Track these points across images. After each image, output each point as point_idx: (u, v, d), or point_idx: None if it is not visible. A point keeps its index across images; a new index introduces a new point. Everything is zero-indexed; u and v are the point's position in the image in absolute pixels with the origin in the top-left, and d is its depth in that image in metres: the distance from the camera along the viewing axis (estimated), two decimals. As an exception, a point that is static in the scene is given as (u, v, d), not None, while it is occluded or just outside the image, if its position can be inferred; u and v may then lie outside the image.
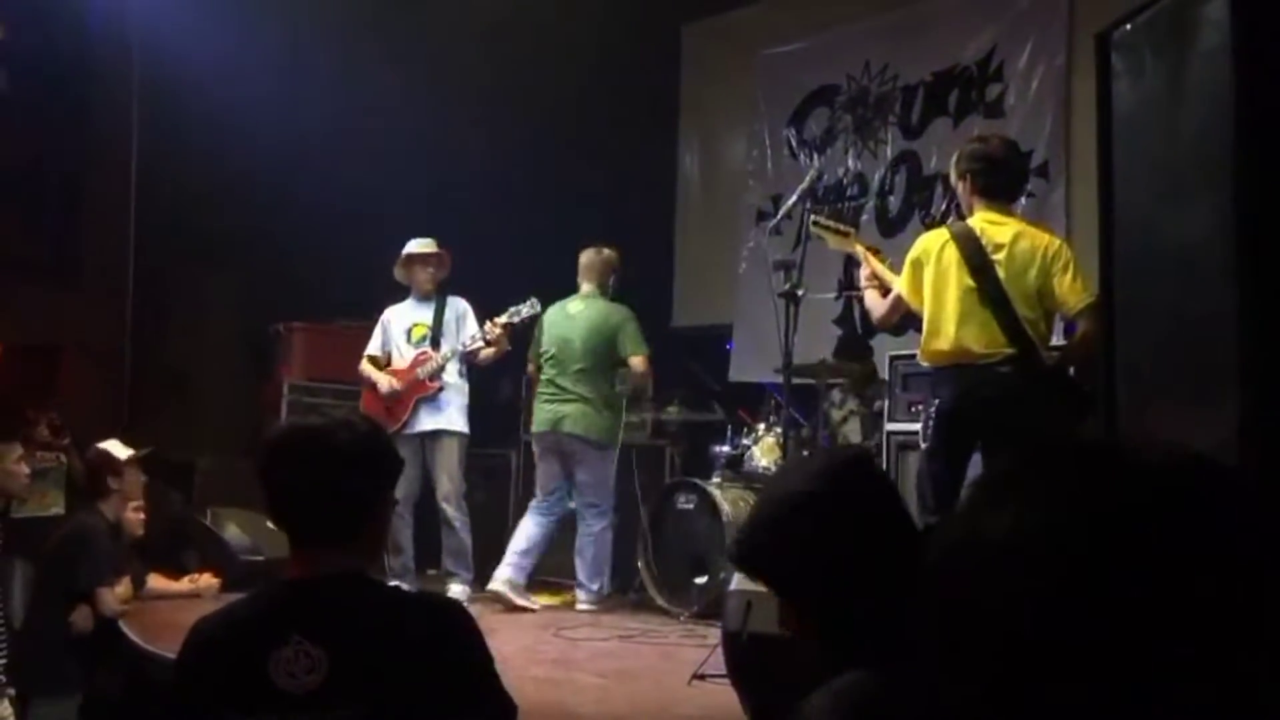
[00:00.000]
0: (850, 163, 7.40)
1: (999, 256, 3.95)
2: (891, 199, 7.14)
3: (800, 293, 4.51)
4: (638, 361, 5.95)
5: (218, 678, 1.83)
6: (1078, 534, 0.68)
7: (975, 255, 3.95)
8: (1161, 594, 0.66)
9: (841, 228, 4.59)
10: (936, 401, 4.06)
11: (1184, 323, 2.57)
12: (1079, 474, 0.72)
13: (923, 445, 4.14)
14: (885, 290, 4.33)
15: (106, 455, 5.02)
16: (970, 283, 3.94)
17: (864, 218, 7.22)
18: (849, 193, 7.36)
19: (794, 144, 7.74)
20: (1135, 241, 2.76)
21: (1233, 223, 2.36)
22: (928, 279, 4.05)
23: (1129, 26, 2.80)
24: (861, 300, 4.68)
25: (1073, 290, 3.92)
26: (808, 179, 4.80)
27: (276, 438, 2.06)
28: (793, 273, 4.50)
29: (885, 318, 4.33)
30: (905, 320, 4.49)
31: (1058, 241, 4.09)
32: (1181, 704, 0.65)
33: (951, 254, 3.99)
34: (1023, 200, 6.46)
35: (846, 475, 1.55)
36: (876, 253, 4.54)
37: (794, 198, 4.71)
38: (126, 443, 5.20)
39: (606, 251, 6.19)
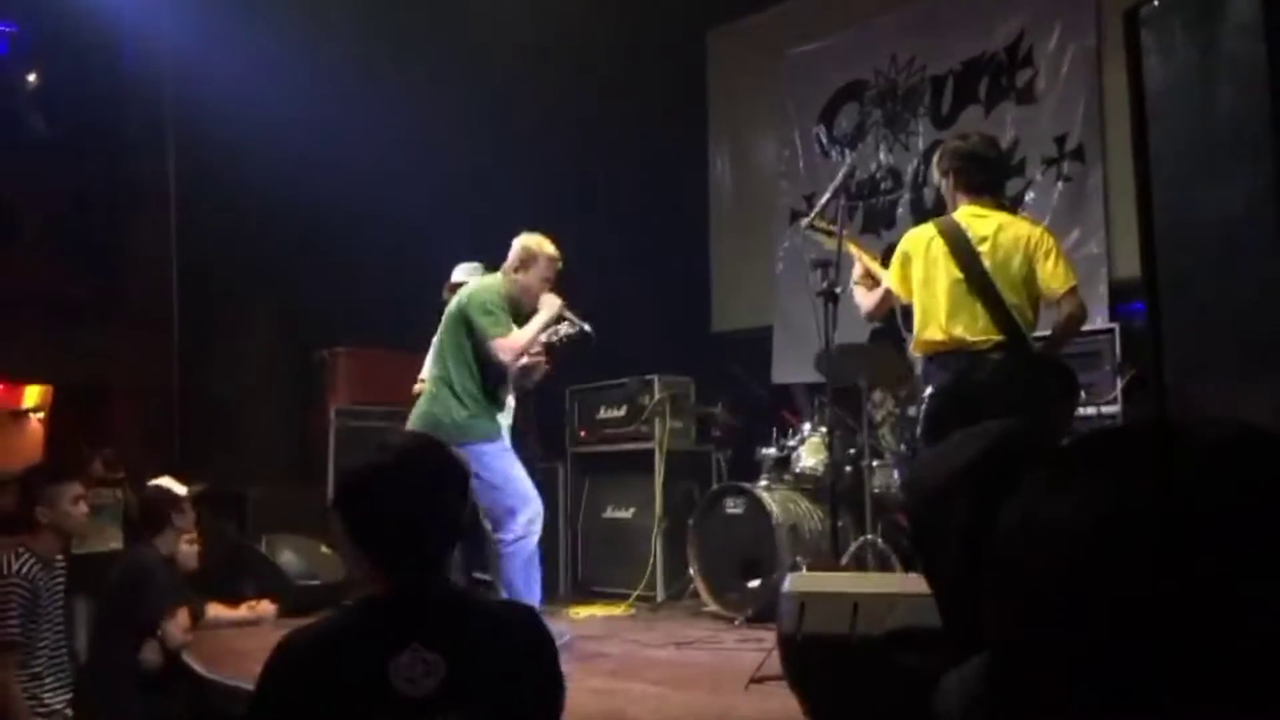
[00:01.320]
0: (882, 157, 7.36)
1: (984, 247, 4.08)
2: (926, 191, 7.09)
3: (839, 290, 4.54)
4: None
5: (334, 689, 1.86)
6: (1145, 515, 0.67)
7: (961, 247, 4.09)
8: (1236, 570, 0.64)
9: (830, 229, 4.65)
10: (929, 389, 4.13)
11: (1225, 299, 2.53)
12: (1142, 455, 0.71)
13: (918, 431, 4.24)
14: (875, 287, 4.45)
15: (168, 492, 5.07)
16: (958, 274, 4.08)
17: (900, 210, 7.19)
18: (883, 187, 7.33)
19: (824, 142, 7.71)
20: (1174, 219, 2.72)
21: (1273, 196, 2.32)
22: (916, 273, 4.19)
23: (1157, 2, 2.76)
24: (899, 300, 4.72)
25: (1055, 276, 4.05)
26: (841, 174, 4.82)
27: (359, 477, 2.09)
28: (830, 271, 4.52)
29: (875, 311, 4.45)
30: (890, 315, 4.59)
31: (1039, 230, 4.22)
32: (1258, 682, 0.64)
33: (939, 247, 4.13)
34: (1059, 184, 6.42)
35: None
36: (874, 257, 4.63)
37: (828, 194, 4.72)
38: (179, 478, 5.26)
39: None
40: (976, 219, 4.15)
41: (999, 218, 4.18)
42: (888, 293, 4.33)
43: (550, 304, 5.04)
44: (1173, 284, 2.77)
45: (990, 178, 4.30)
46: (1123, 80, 2.98)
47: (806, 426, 6.03)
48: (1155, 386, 2.85)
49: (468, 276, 6.10)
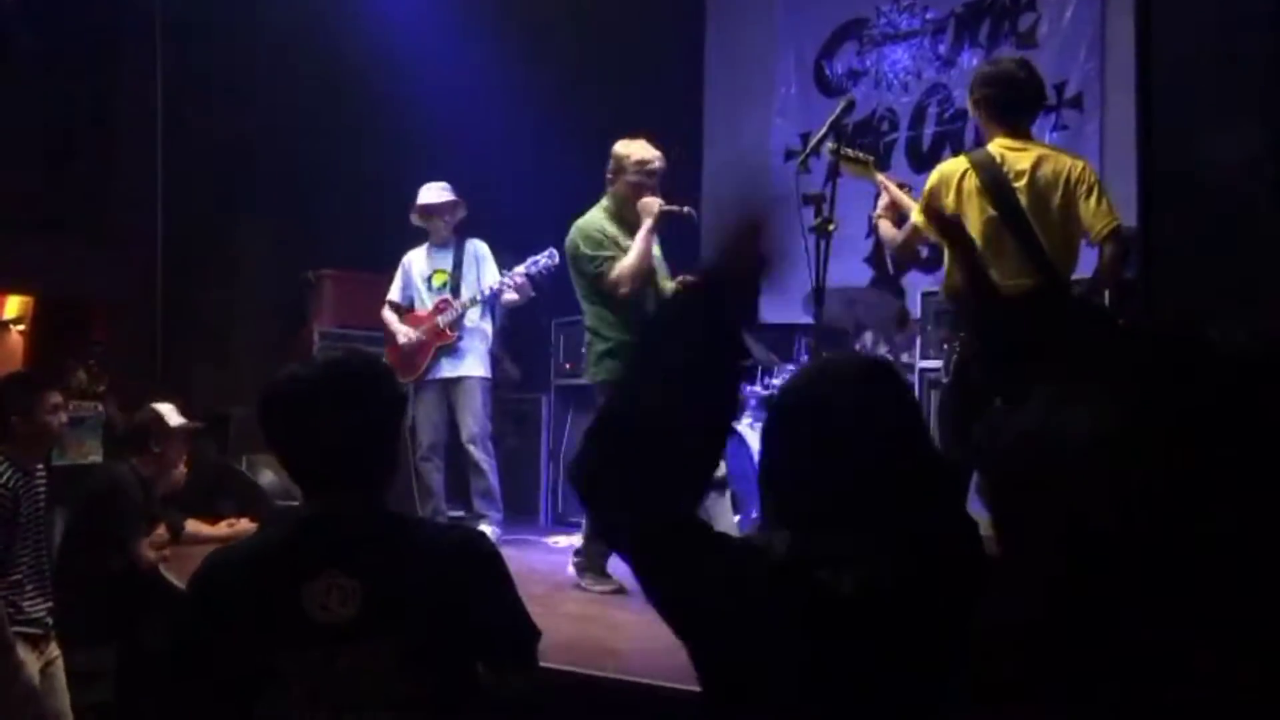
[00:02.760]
0: (880, 97, 7.29)
1: (1020, 183, 3.81)
2: (925, 132, 7.05)
3: (832, 227, 4.41)
4: None
5: (248, 612, 1.81)
6: (1165, 423, 0.65)
7: (996, 183, 3.81)
8: (1260, 476, 0.63)
9: (861, 156, 4.47)
10: (960, 335, 3.99)
11: (1225, 246, 2.52)
12: (1159, 365, 0.69)
13: (944, 380, 4.08)
14: (900, 221, 4.23)
15: (157, 418, 5.02)
16: (992, 212, 3.81)
17: (895, 153, 7.13)
18: (879, 127, 7.26)
19: (822, 80, 7.63)
20: (1175, 167, 2.70)
21: (1276, 148, 2.30)
22: (948, 209, 3.91)
23: (1169, -56, 2.72)
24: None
25: (1098, 214, 3.74)
26: (838, 109, 4.65)
27: (270, 390, 2.01)
28: (824, 207, 4.39)
29: (902, 248, 4.22)
30: (932, 251, 4.40)
31: (1080, 164, 3.90)
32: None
33: (971, 183, 3.87)
34: (1055, 133, 6.38)
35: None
36: (901, 185, 4.44)
37: (823, 130, 4.59)
38: (165, 398, 5.22)
39: None
40: (1012, 152, 3.87)
41: (1037, 150, 3.91)
42: (915, 230, 4.07)
43: (648, 210, 4.81)
44: (1168, 232, 2.76)
45: (1025, 102, 3.99)
46: (1126, 28, 2.94)
47: (791, 366, 6.03)
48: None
49: (436, 198, 6.05)
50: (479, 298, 5.95)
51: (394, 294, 6.18)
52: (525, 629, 2.01)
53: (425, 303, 6.09)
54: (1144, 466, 0.65)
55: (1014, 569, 0.72)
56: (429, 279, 6.12)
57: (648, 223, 4.80)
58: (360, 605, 1.80)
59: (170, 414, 5.07)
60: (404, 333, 6.00)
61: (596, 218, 4.93)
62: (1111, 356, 0.73)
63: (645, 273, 4.77)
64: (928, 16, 7.07)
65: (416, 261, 6.17)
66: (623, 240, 4.83)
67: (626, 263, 4.73)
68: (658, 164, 4.95)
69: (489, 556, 2.00)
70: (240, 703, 1.76)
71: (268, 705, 1.76)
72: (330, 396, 1.92)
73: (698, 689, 2.88)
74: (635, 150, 4.94)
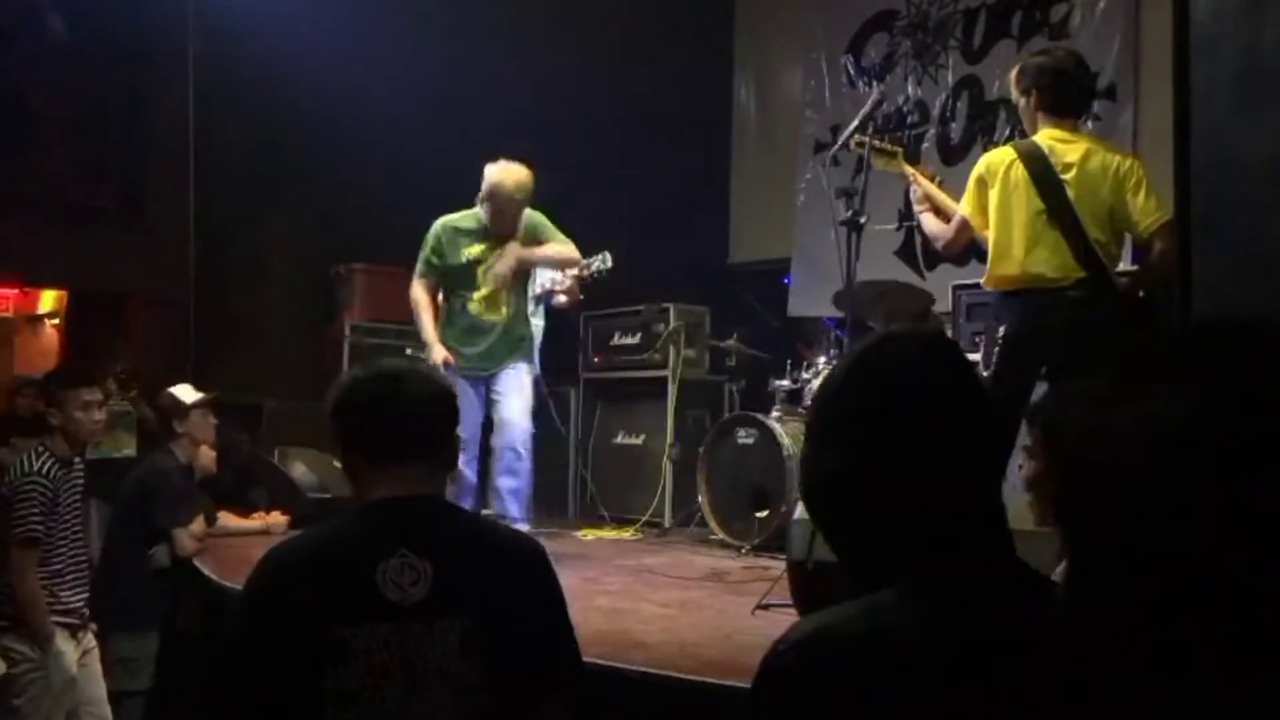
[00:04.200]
0: (910, 89, 7.26)
1: (1068, 176, 3.79)
2: (953, 126, 7.01)
3: (863, 220, 4.39)
4: None
5: (321, 592, 1.85)
6: (1231, 416, 0.64)
7: (1044, 174, 3.78)
8: None
9: (889, 148, 4.44)
10: (1002, 328, 3.96)
11: (1263, 241, 2.49)
12: (1223, 357, 0.68)
13: (984, 373, 4.04)
14: (940, 213, 4.21)
15: (172, 399, 5.12)
16: (1039, 204, 3.78)
17: (925, 145, 7.10)
18: (909, 120, 7.23)
19: (852, 72, 7.61)
20: (1211, 157, 2.67)
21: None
22: (993, 200, 3.89)
23: (1206, -67, 2.68)
24: (922, 231, 4.56)
25: (1146, 210, 3.75)
26: (869, 104, 4.64)
27: (359, 376, 2.10)
28: (854, 200, 4.37)
29: (951, 242, 4.14)
30: (969, 246, 4.36)
31: (1130, 159, 3.91)
32: None
33: (1019, 173, 3.83)
34: (1089, 123, 6.32)
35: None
36: (932, 178, 4.40)
37: (854, 124, 4.57)
38: (195, 387, 5.29)
39: None
40: (1060, 144, 3.84)
41: (1085, 143, 3.88)
42: (964, 223, 4.00)
43: (507, 258, 5.13)
44: (1205, 225, 2.72)
45: (1077, 98, 3.97)
46: (1159, 18, 2.92)
47: (821, 359, 6.02)
48: (1182, 327, 2.82)
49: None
50: (534, 292, 5.90)
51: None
52: (570, 648, 2.07)
53: None
54: (1214, 458, 0.64)
55: (1093, 560, 0.70)
56: None
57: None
58: (430, 586, 1.86)
59: (185, 392, 5.14)
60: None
61: (435, 227, 5.30)
62: (1172, 348, 0.71)
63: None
64: (959, 8, 7.02)
65: None
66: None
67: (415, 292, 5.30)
68: (518, 198, 5.15)
69: (547, 566, 2.06)
70: (309, 674, 1.79)
71: (336, 678, 1.80)
72: (421, 383, 2.04)
73: (723, 682, 2.90)
74: (505, 183, 5.12)
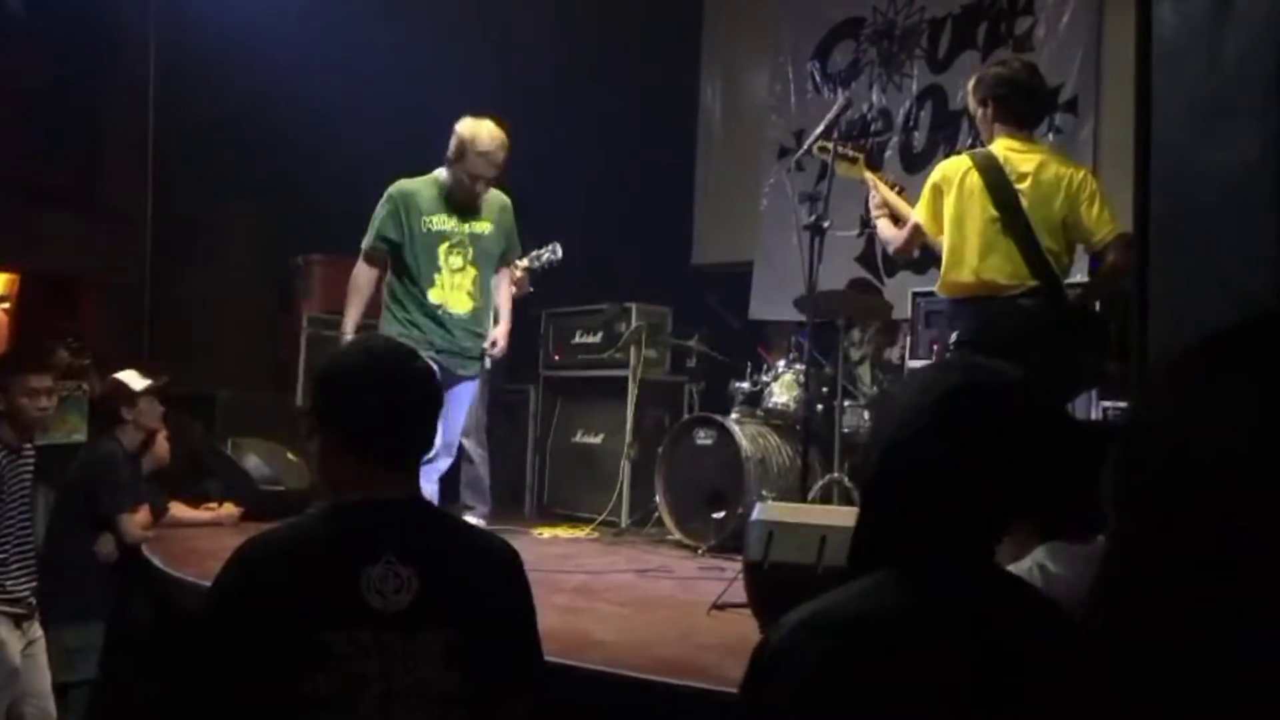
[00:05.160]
0: (875, 97, 7.31)
1: (1023, 185, 3.85)
2: (916, 134, 7.06)
3: (825, 225, 4.44)
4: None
5: (302, 598, 1.79)
6: None
7: (999, 183, 3.84)
8: None
9: (851, 154, 4.49)
10: (954, 334, 4.01)
11: (1221, 256, 2.53)
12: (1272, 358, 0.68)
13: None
14: (897, 219, 4.25)
15: (119, 384, 5.03)
16: (993, 212, 3.84)
17: (888, 153, 7.15)
18: (873, 128, 7.28)
19: (818, 78, 7.64)
20: (1171, 172, 2.71)
21: (1275, 153, 2.30)
22: (948, 207, 3.94)
23: (1171, -51, 2.72)
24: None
25: (1100, 221, 3.83)
26: (834, 110, 4.69)
27: (356, 361, 2.00)
28: (818, 205, 4.41)
29: (904, 248, 4.20)
30: (923, 252, 4.41)
31: (1083, 171, 3.99)
32: None
33: (974, 182, 3.89)
34: (1050, 136, 6.40)
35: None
36: (893, 186, 4.45)
37: (819, 129, 4.61)
38: (146, 374, 5.21)
39: None
40: (1016, 154, 3.90)
41: (1040, 153, 3.95)
42: (916, 228, 4.07)
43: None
44: (1164, 238, 2.76)
45: (1033, 109, 4.04)
46: (1122, 32, 2.96)
47: (781, 363, 6.05)
48: (1139, 340, 2.85)
49: None
50: None
51: None
52: (539, 661, 2.03)
53: None
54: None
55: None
56: None
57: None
58: (414, 595, 1.81)
59: (133, 378, 5.06)
60: None
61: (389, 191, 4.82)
62: (1221, 351, 0.71)
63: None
64: (925, 18, 7.08)
65: None
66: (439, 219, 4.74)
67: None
68: (495, 160, 4.68)
69: (522, 573, 2.02)
70: (284, 677, 1.74)
71: (313, 683, 1.74)
72: (420, 377, 1.96)
73: (679, 682, 2.90)
74: (482, 139, 4.62)
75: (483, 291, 4.86)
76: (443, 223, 4.77)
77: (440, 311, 4.77)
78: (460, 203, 4.76)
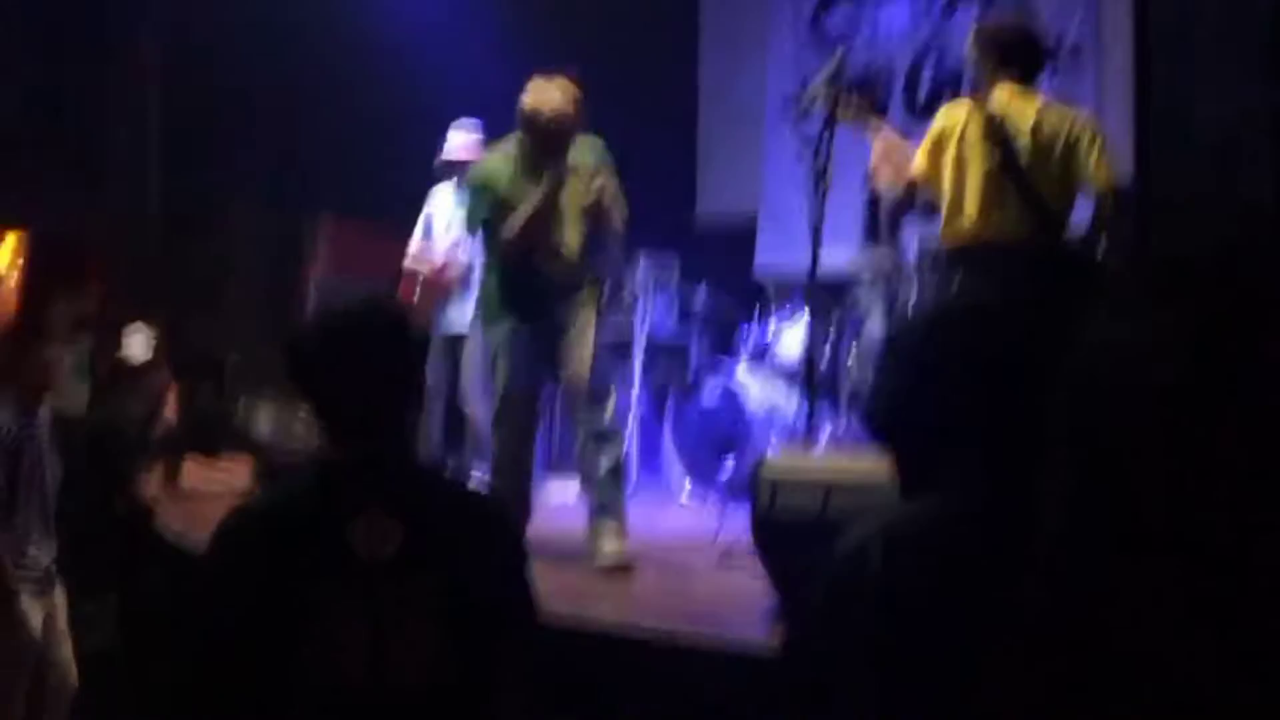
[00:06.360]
0: (876, 53, 7.25)
1: (1022, 136, 3.85)
2: (918, 86, 7.01)
3: (828, 169, 4.39)
4: None
5: (292, 553, 1.83)
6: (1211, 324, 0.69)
7: (998, 134, 3.85)
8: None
9: (856, 100, 4.46)
10: (956, 282, 4.03)
11: (1220, 204, 2.54)
12: (1198, 277, 0.73)
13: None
14: (899, 169, 4.23)
15: (118, 362, 5.05)
16: (992, 163, 3.85)
17: (890, 104, 7.10)
18: (876, 84, 7.22)
19: (820, 29, 7.58)
20: (1170, 117, 2.72)
21: (1272, 101, 2.31)
22: (948, 158, 3.95)
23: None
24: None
25: (1099, 167, 3.83)
26: (834, 61, 4.63)
27: (311, 329, 2.03)
28: (821, 151, 4.36)
29: (905, 198, 4.23)
30: (926, 203, 4.40)
31: (1083, 118, 3.97)
32: None
33: (974, 133, 3.89)
34: (1049, 85, 6.35)
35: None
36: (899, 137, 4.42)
37: (819, 79, 4.56)
38: (155, 338, 5.22)
39: None
40: (1015, 104, 3.90)
41: (1040, 103, 3.93)
42: (916, 180, 4.08)
43: (548, 179, 4.37)
44: (1165, 186, 2.77)
45: (1031, 60, 4.02)
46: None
47: (789, 311, 6.05)
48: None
49: (464, 154, 5.86)
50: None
51: (414, 245, 5.97)
52: (532, 608, 2.05)
53: (438, 253, 5.93)
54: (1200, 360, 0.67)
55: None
56: (449, 226, 5.93)
57: (536, 195, 4.39)
58: (400, 545, 1.85)
59: (140, 341, 5.06)
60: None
61: (475, 170, 4.69)
62: (1142, 276, 0.76)
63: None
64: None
65: (441, 211, 6.00)
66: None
67: (514, 221, 4.41)
68: (556, 118, 4.35)
69: (511, 525, 2.08)
70: (276, 634, 1.78)
71: (304, 637, 1.79)
72: (369, 340, 1.94)
73: (688, 630, 2.93)
74: (530, 101, 4.35)
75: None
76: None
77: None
78: (549, 168, 4.52)
